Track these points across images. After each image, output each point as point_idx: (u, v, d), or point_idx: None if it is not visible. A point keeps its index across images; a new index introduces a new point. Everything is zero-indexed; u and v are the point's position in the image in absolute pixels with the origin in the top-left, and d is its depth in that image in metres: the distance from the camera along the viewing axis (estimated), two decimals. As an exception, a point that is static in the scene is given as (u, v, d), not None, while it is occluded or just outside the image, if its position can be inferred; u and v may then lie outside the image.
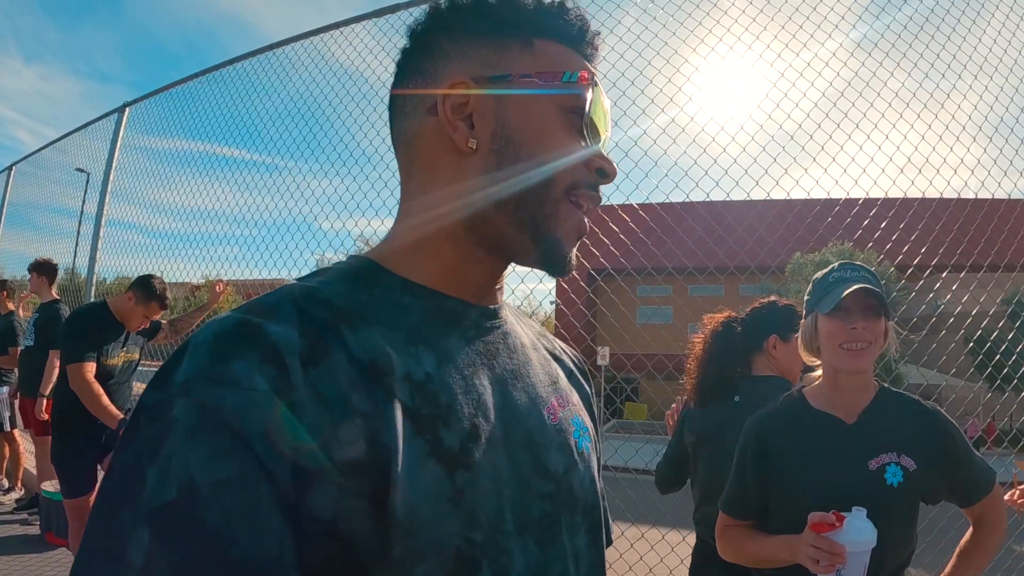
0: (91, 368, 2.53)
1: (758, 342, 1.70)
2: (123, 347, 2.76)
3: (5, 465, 4.55)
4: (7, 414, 4.34)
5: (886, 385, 1.24)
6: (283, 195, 4.02)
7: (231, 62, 4.09)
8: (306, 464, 0.36)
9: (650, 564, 2.88)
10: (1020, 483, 1.63)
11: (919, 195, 2.63)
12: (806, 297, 1.27)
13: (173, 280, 4.89)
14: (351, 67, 3.54)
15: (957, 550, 1.24)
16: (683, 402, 1.91)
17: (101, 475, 2.78)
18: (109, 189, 4.52)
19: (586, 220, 0.52)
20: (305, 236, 4.15)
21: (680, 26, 2.74)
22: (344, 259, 0.52)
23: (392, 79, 0.55)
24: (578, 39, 0.52)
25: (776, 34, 2.65)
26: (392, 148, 0.55)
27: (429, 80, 0.51)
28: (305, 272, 0.53)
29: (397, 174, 0.56)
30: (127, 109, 4.64)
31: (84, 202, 5.92)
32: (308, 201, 3.88)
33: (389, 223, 0.57)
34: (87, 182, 5.97)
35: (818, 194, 2.73)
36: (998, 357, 2.96)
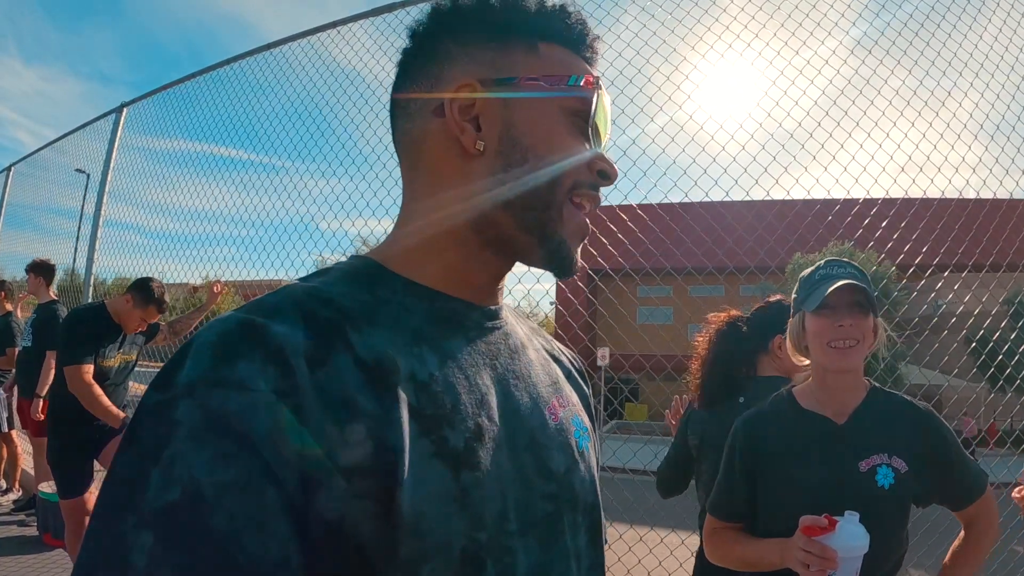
0: (88, 369, 2.52)
1: (763, 342, 1.67)
2: (120, 349, 2.75)
3: (3, 466, 4.54)
4: (5, 415, 4.33)
5: (877, 385, 1.22)
6: (280, 196, 4.01)
7: (228, 62, 4.09)
8: (312, 465, 0.36)
9: (648, 567, 2.86)
10: None
11: (920, 194, 2.62)
12: (793, 295, 1.25)
13: (173, 281, 4.89)
14: (348, 66, 3.53)
15: (948, 555, 1.22)
16: (683, 400, 1.89)
17: (100, 474, 2.78)
18: (107, 190, 4.51)
19: (587, 221, 0.53)
20: (302, 237, 4.14)
21: (679, 24, 2.73)
22: (345, 259, 0.52)
23: (393, 80, 0.55)
24: (579, 42, 0.53)
25: (775, 31, 2.64)
26: (393, 149, 0.55)
27: (434, 82, 0.51)
28: (305, 273, 0.52)
29: (396, 175, 0.55)
30: (125, 109, 4.63)
31: (84, 203, 5.92)
32: (305, 201, 3.87)
33: (389, 224, 0.56)
34: (87, 183, 5.98)
35: (818, 193, 2.72)
36: (1000, 357, 2.94)
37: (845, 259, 1.21)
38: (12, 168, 6.70)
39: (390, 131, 0.56)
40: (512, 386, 0.51)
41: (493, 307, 0.54)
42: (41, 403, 3.45)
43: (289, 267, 3.99)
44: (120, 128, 4.59)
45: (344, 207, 3.60)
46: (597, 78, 0.52)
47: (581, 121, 0.51)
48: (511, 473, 0.46)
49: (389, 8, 3.12)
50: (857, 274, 1.15)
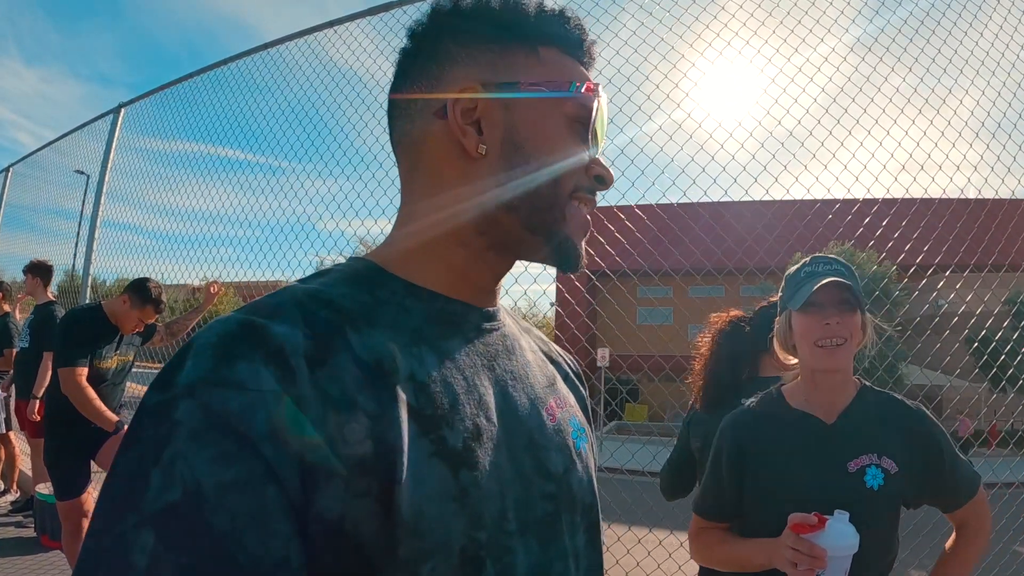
0: (83, 372, 2.51)
1: (766, 343, 1.65)
2: (117, 350, 2.74)
3: (1, 467, 4.54)
4: (3, 416, 4.32)
5: (868, 384, 1.20)
6: (277, 196, 4.00)
7: (225, 62, 4.08)
8: (313, 465, 0.36)
9: (647, 570, 2.83)
10: None
11: (920, 194, 2.60)
12: (779, 294, 1.23)
13: (173, 282, 4.88)
14: (345, 66, 3.52)
15: (940, 557, 1.20)
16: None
17: (97, 475, 2.76)
18: (105, 190, 4.51)
19: (588, 217, 0.54)
20: (299, 237, 4.14)
21: (677, 21, 2.72)
22: (345, 261, 0.53)
23: (392, 80, 0.55)
24: (577, 47, 0.53)
25: (774, 29, 2.63)
26: (391, 149, 0.55)
27: (435, 83, 0.51)
28: (303, 274, 0.51)
29: (394, 175, 0.54)
30: (122, 110, 4.62)
31: (83, 204, 5.91)
32: (302, 202, 3.86)
33: (387, 224, 0.56)
34: (86, 184, 5.97)
35: (818, 192, 2.70)
36: (1003, 358, 2.92)
37: (832, 255, 1.18)
38: (10, 169, 6.70)
39: (387, 132, 0.56)
40: (510, 387, 0.51)
41: (491, 308, 0.54)
42: (38, 404, 3.44)
43: (287, 268, 3.99)
44: (118, 128, 4.58)
45: (341, 207, 3.60)
46: (597, 85, 0.53)
47: (581, 127, 0.51)
48: (510, 473, 0.47)
49: (386, 7, 3.11)
50: (843, 270, 1.13)
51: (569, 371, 0.65)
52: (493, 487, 0.45)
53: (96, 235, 4.44)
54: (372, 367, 0.42)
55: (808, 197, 2.79)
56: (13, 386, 4.11)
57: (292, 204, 3.92)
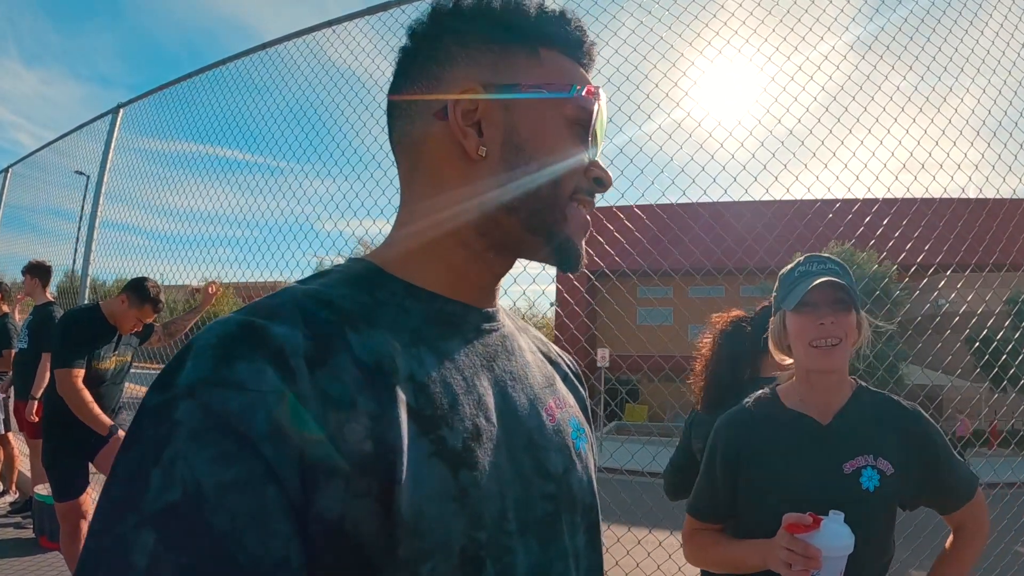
0: (79, 374, 2.50)
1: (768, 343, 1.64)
2: (115, 350, 2.73)
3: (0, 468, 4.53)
4: (1, 417, 4.32)
5: (864, 384, 1.19)
6: (276, 196, 3.99)
7: (224, 61, 4.07)
8: (313, 464, 0.37)
9: (647, 571, 2.83)
10: None
11: (921, 193, 2.59)
12: (774, 294, 1.22)
13: (172, 283, 4.88)
14: (344, 66, 3.52)
15: (937, 559, 1.19)
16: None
17: (95, 477, 2.76)
18: (103, 191, 4.50)
19: (588, 217, 0.54)
20: (297, 237, 4.13)
21: (676, 20, 2.71)
22: (344, 262, 0.53)
23: (392, 80, 0.54)
24: (578, 49, 0.53)
25: (774, 27, 2.62)
26: (389, 149, 0.55)
27: (435, 83, 0.51)
28: (303, 274, 0.51)
29: (393, 175, 0.54)
30: (121, 110, 4.62)
31: (83, 205, 5.91)
32: (300, 202, 3.85)
33: (386, 224, 0.55)
34: (86, 185, 5.96)
35: (818, 191, 2.70)
36: (1004, 357, 2.91)
37: (827, 255, 1.18)
38: (10, 169, 6.69)
39: (387, 132, 0.56)
40: (509, 387, 0.51)
41: (490, 309, 0.54)
42: (36, 405, 3.43)
43: (286, 268, 3.98)
44: (116, 129, 4.57)
45: (340, 208, 3.59)
46: (598, 88, 0.53)
47: (581, 129, 0.51)
48: (509, 473, 0.47)
49: (384, 7, 3.11)
50: (837, 270, 1.12)
51: (568, 371, 0.65)
52: (493, 487, 0.45)
53: (95, 235, 4.43)
54: (372, 368, 0.42)
55: (808, 196, 2.78)
56: (12, 387, 4.10)
57: (291, 204, 3.91)
